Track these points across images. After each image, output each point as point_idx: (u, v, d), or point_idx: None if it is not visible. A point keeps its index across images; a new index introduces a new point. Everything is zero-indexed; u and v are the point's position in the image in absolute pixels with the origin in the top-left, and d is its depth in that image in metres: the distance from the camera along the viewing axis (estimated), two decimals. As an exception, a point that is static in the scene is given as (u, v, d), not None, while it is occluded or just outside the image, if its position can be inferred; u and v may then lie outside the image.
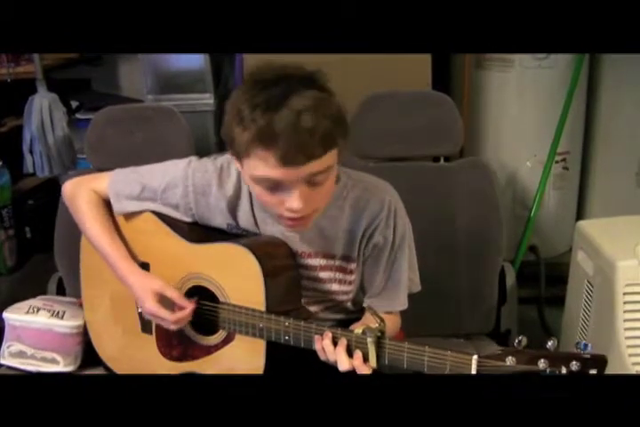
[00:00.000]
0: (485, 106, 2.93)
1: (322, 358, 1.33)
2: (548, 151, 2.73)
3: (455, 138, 2.04)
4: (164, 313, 1.44)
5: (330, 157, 1.25)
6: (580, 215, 3.15)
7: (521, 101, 2.86)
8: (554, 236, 3.02)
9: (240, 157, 1.27)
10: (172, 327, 1.46)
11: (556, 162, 2.86)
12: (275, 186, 1.26)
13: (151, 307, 1.45)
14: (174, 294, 1.45)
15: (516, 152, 2.93)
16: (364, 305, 1.50)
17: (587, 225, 2.10)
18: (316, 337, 1.33)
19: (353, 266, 1.47)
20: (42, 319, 1.77)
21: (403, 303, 1.51)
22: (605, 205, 3.09)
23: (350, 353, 1.30)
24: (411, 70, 2.51)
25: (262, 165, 1.23)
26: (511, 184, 2.93)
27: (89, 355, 1.75)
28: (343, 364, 1.29)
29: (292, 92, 1.20)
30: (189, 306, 1.44)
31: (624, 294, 1.81)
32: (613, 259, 1.84)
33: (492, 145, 2.96)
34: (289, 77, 1.23)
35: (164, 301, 1.46)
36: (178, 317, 1.44)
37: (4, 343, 1.80)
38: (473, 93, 2.93)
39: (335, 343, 1.31)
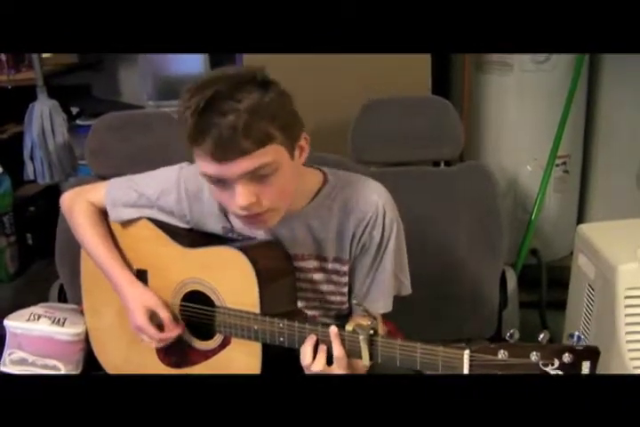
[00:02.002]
0: (485, 110, 2.93)
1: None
2: (549, 154, 2.73)
3: (455, 142, 2.04)
4: (151, 331, 1.47)
5: (268, 154, 1.26)
6: (580, 218, 3.15)
7: (521, 105, 2.86)
8: (555, 239, 3.02)
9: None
10: (154, 345, 1.51)
11: (557, 165, 2.85)
12: (219, 183, 1.29)
13: (141, 322, 1.47)
14: (165, 315, 1.47)
15: (517, 156, 2.92)
16: (352, 301, 1.49)
17: (587, 228, 2.10)
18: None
19: (346, 268, 1.47)
20: (43, 327, 1.77)
21: (386, 306, 1.50)
22: (606, 208, 3.09)
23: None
24: (410, 74, 2.51)
25: (201, 162, 1.28)
26: (512, 188, 2.93)
27: (90, 362, 1.75)
28: (317, 366, 1.31)
29: (221, 95, 1.22)
30: (176, 330, 1.48)
31: (625, 297, 1.81)
32: (614, 262, 1.84)
33: (493, 149, 2.96)
34: (222, 80, 1.25)
35: (154, 317, 1.48)
36: (162, 337, 1.48)
37: (5, 351, 1.80)
38: (473, 97, 2.93)
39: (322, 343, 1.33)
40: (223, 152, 1.23)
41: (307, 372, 1.34)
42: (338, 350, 1.30)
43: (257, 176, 1.27)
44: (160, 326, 1.48)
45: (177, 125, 1.96)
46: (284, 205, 1.36)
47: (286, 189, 1.33)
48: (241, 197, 1.27)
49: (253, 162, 1.24)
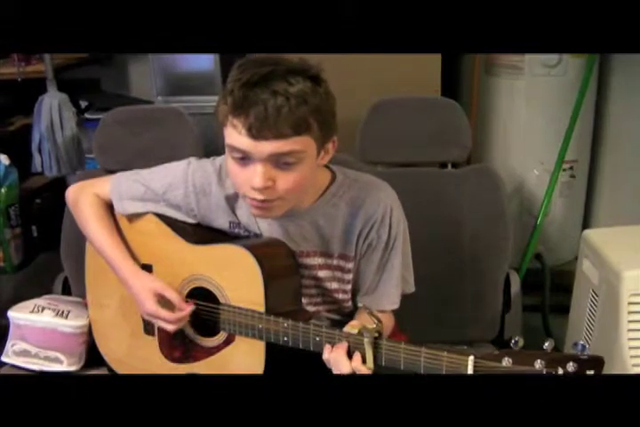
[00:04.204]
0: (494, 113, 2.93)
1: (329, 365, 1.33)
2: (556, 159, 2.73)
3: (463, 144, 2.04)
4: (163, 313, 1.45)
5: (301, 143, 1.27)
6: (586, 224, 3.15)
7: (530, 109, 2.86)
8: (560, 244, 3.02)
9: (222, 127, 1.32)
10: (170, 328, 1.47)
11: (564, 170, 2.85)
12: (243, 159, 1.29)
13: (150, 307, 1.46)
14: (173, 295, 1.46)
15: (524, 159, 2.92)
16: (359, 305, 1.50)
17: (593, 234, 2.09)
18: (327, 346, 1.33)
19: (351, 265, 1.48)
20: (46, 319, 1.77)
21: (394, 302, 1.52)
22: (612, 213, 3.09)
23: (349, 354, 1.30)
24: (420, 76, 2.51)
25: (233, 134, 1.28)
26: (518, 191, 2.93)
27: (93, 355, 1.75)
28: (344, 366, 1.29)
29: (276, 75, 1.25)
30: (188, 307, 1.46)
31: (629, 303, 1.81)
32: (619, 268, 1.84)
33: (500, 152, 2.96)
34: (279, 63, 1.27)
35: (164, 302, 1.47)
36: (176, 317, 1.45)
37: (8, 342, 1.80)
38: (482, 100, 2.93)
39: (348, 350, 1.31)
40: (260, 129, 1.24)
41: (336, 373, 1.33)
42: (360, 369, 1.29)
43: (281, 162, 1.28)
44: (171, 310, 1.47)
45: (184, 121, 2.02)
46: (293, 198, 1.37)
47: (302, 182, 1.34)
48: (259, 177, 1.28)
49: (285, 146, 1.26)
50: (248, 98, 1.23)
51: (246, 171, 1.30)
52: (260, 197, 1.31)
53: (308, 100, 1.25)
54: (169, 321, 1.46)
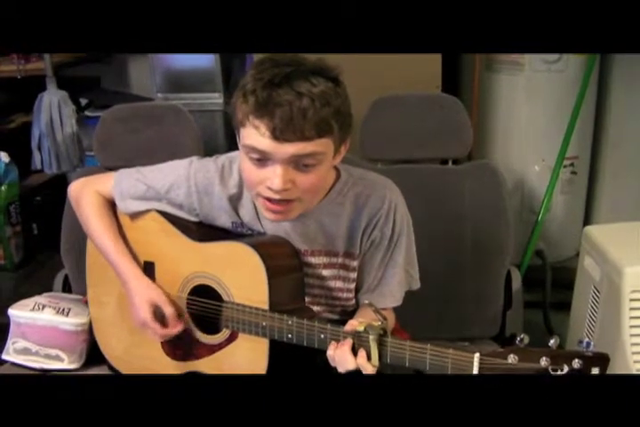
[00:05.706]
0: (495, 109, 2.92)
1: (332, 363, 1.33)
2: (557, 155, 2.72)
3: (464, 141, 2.04)
4: (154, 326, 1.47)
5: (322, 145, 1.27)
6: (587, 220, 3.14)
7: (530, 105, 2.86)
8: (561, 240, 3.01)
9: (239, 127, 1.31)
10: (156, 339, 1.51)
11: (565, 166, 2.85)
12: (262, 160, 1.28)
13: (145, 317, 1.47)
14: (169, 312, 1.47)
15: (525, 156, 2.92)
16: (364, 302, 1.49)
17: (594, 230, 2.09)
18: (332, 343, 1.32)
19: (355, 263, 1.48)
20: (47, 316, 1.77)
21: (397, 300, 1.51)
22: (613, 210, 3.09)
23: (354, 351, 1.29)
24: (421, 72, 2.50)
25: (254, 135, 1.26)
26: (519, 188, 2.93)
27: (93, 353, 1.75)
28: (349, 363, 1.29)
29: (299, 75, 1.24)
30: (178, 327, 1.48)
31: (630, 300, 1.81)
32: (620, 265, 1.83)
33: (501, 148, 2.96)
34: (301, 63, 1.27)
35: (158, 311, 1.48)
36: (165, 333, 1.48)
37: (9, 340, 1.80)
38: (482, 96, 2.92)
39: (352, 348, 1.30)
40: (285, 131, 1.23)
41: (341, 371, 1.32)
42: (365, 366, 1.28)
43: (301, 163, 1.28)
44: (163, 321, 1.48)
45: (184, 119, 2.01)
46: (309, 200, 1.36)
47: (319, 183, 1.34)
48: (279, 179, 1.27)
49: (307, 148, 1.25)
50: (272, 98, 1.22)
51: (264, 171, 1.29)
52: (276, 196, 1.30)
53: (330, 101, 1.25)
54: (157, 334, 1.49)
